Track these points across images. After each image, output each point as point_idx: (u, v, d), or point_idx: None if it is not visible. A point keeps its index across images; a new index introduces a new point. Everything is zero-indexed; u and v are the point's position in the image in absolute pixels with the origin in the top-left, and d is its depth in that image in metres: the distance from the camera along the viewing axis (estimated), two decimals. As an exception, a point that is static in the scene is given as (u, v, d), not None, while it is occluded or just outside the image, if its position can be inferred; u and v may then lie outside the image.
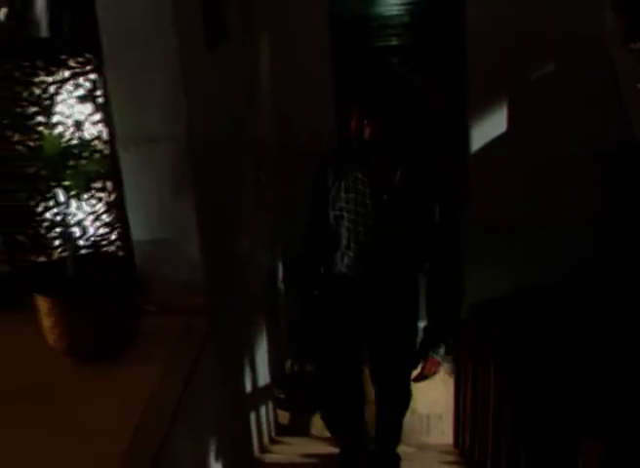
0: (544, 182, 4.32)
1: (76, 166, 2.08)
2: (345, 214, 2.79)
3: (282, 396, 4.38)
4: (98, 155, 2.15)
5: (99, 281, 2.15)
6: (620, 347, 2.53)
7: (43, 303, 2.09)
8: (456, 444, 3.72)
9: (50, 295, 2.07)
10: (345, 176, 2.76)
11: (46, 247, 2.46)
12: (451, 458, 3.65)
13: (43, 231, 2.44)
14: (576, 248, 3.88)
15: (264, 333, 3.76)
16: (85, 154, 2.22)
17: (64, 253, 2.43)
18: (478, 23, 4.17)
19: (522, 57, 4.25)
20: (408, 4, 4.21)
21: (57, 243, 2.45)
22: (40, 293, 2.08)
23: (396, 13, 4.21)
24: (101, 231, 2.41)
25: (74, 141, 2.24)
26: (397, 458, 3.44)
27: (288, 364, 4.67)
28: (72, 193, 2.11)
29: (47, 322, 2.11)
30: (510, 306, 3.06)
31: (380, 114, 2.59)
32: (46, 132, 2.23)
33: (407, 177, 2.72)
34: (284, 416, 4.25)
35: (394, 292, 2.94)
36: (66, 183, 2.14)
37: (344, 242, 2.83)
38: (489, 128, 4.39)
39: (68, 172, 2.05)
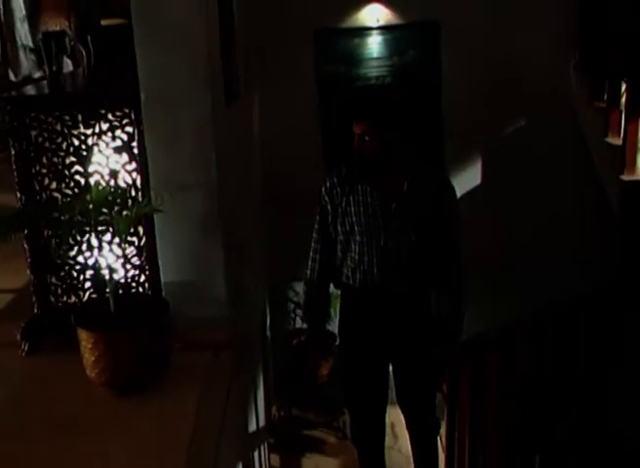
0: (518, 230, 4.61)
1: (120, 211, 2.25)
2: (356, 227, 2.96)
3: (271, 440, 4.49)
4: (144, 201, 2.30)
5: (136, 318, 2.30)
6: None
7: (88, 338, 2.21)
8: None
9: (96, 330, 2.21)
10: (353, 191, 2.95)
11: (77, 289, 2.61)
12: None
13: (75, 274, 2.60)
14: (551, 288, 4.13)
15: (262, 376, 3.91)
16: (119, 201, 2.38)
17: (94, 295, 2.60)
18: (453, 84, 4.50)
19: (494, 114, 4.58)
20: (389, 66, 4.54)
21: (87, 285, 2.60)
22: (86, 329, 2.22)
23: (377, 74, 4.52)
24: (131, 273, 2.57)
25: (112, 189, 2.40)
26: None
27: (274, 410, 4.79)
28: (118, 237, 2.27)
29: (90, 356, 2.23)
30: (501, 343, 3.23)
31: (381, 129, 2.85)
32: (91, 180, 2.40)
33: (412, 185, 2.94)
34: (275, 459, 4.37)
35: (411, 302, 3.08)
36: (101, 228, 2.32)
37: (356, 256, 2.99)
38: (464, 179, 4.67)
39: (116, 216, 2.22)
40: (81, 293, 2.60)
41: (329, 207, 3.03)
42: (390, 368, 3.33)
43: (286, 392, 4.81)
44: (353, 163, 3.01)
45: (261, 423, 3.82)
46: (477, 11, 4.48)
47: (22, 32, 5.42)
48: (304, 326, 4.77)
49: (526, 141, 4.59)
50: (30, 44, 5.38)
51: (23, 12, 5.31)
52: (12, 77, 5.53)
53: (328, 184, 3.03)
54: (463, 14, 4.49)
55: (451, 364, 3.36)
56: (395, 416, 3.65)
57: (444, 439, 4.03)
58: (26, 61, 5.51)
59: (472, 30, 4.49)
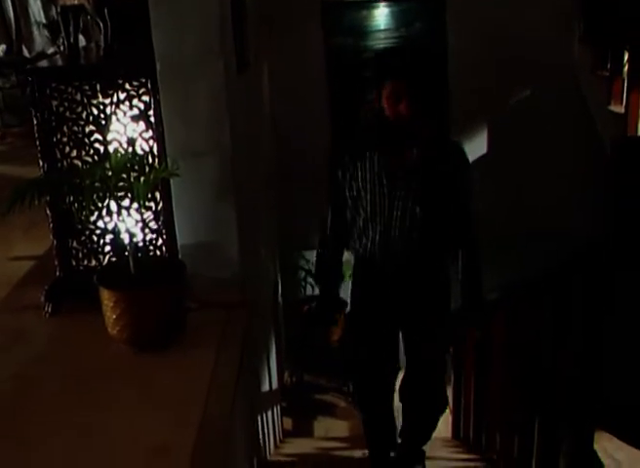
0: (524, 197, 4.71)
1: (139, 177, 2.35)
2: (363, 194, 2.93)
3: (284, 404, 4.62)
4: (162, 167, 2.40)
5: (155, 278, 2.42)
6: (632, 342, 2.72)
7: (110, 297, 2.33)
8: (455, 435, 3.98)
9: (118, 289, 2.33)
10: (361, 157, 2.91)
11: (97, 252, 2.73)
12: (453, 449, 3.91)
13: (95, 238, 2.71)
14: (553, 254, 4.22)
15: (274, 341, 4.03)
16: (137, 168, 2.48)
17: (114, 259, 2.71)
18: (459, 55, 4.58)
19: (499, 83, 4.65)
20: (395, 38, 4.62)
21: (107, 249, 2.71)
22: (108, 288, 2.34)
23: (384, 46, 4.61)
24: (149, 237, 2.68)
25: (130, 156, 2.50)
26: (422, 454, 3.49)
27: (286, 375, 4.93)
28: (137, 202, 2.38)
29: (112, 314, 2.34)
30: (508, 300, 3.32)
31: (415, 91, 2.73)
32: (110, 148, 2.50)
33: (422, 155, 2.86)
34: (287, 422, 4.50)
35: (418, 273, 3.03)
36: (120, 194, 2.42)
37: (361, 224, 2.98)
38: (470, 149, 4.73)
39: (134, 182, 2.32)
40: (101, 257, 2.72)
41: (339, 173, 3.01)
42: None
43: (297, 358, 4.94)
44: (367, 129, 3.00)
45: (274, 387, 3.94)
46: (483, -18, 4.54)
47: (36, 9, 5.53)
48: (315, 292, 4.93)
49: (530, 111, 4.68)
50: (44, 20, 5.49)
51: (37, -11, 5.41)
52: (26, 53, 5.65)
53: (338, 150, 3.05)
54: (469, -14, 4.56)
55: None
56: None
57: (450, 402, 4.15)
58: (40, 38, 5.62)
59: (478, 2, 4.56)
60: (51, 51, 5.60)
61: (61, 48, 5.37)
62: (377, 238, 2.98)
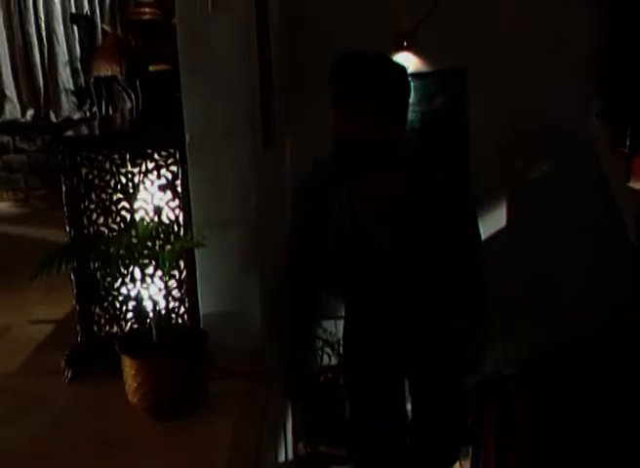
0: (542, 271, 4.70)
1: (163, 245, 2.38)
2: (344, 238, 2.45)
3: (299, 475, 4.55)
4: (188, 236, 2.43)
5: (177, 347, 2.42)
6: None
7: (132, 365, 2.33)
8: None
9: (139, 358, 2.33)
10: (337, 191, 2.40)
11: (119, 319, 2.74)
12: None
13: (118, 305, 2.73)
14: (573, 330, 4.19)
15: (290, 411, 3.99)
16: (162, 236, 2.51)
17: (136, 326, 2.72)
18: (480, 129, 4.64)
19: (519, 158, 4.70)
20: (418, 112, 4.70)
21: (129, 315, 2.73)
22: (130, 357, 2.34)
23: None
24: (172, 305, 2.69)
25: (157, 225, 2.54)
26: None
27: (301, 446, 4.85)
28: (161, 270, 2.40)
29: (133, 382, 2.34)
30: (524, 379, 3.30)
31: (366, 109, 2.20)
32: (136, 216, 2.54)
33: (413, 187, 2.38)
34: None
35: (416, 321, 2.61)
36: (144, 262, 2.45)
37: (349, 271, 2.53)
38: (490, 222, 4.77)
39: (159, 251, 2.35)
40: (123, 323, 2.73)
41: (311, 208, 2.47)
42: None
43: (312, 429, 4.86)
44: (336, 157, 2.36)
45: (290, 459, 3.89)
46: (503, 59, 4.62)
47: (65, 77, 5.68)
48: (332, 363, 4.89)
49: (549, 184, 4.71)
50: (72, 87, 5.62)
51: (66, 57, 5.56)
52: (52, 118, 5.78)
53: (308, 182, 2.51)
54: (490, 62, 4.63)
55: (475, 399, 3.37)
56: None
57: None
58: (67, 104, 5.76)
59: (498, 77, 4.63)
60: (77, 116, 5.72)
61: (87, 114, 5.52)
62: (370, 287, 2.56)
